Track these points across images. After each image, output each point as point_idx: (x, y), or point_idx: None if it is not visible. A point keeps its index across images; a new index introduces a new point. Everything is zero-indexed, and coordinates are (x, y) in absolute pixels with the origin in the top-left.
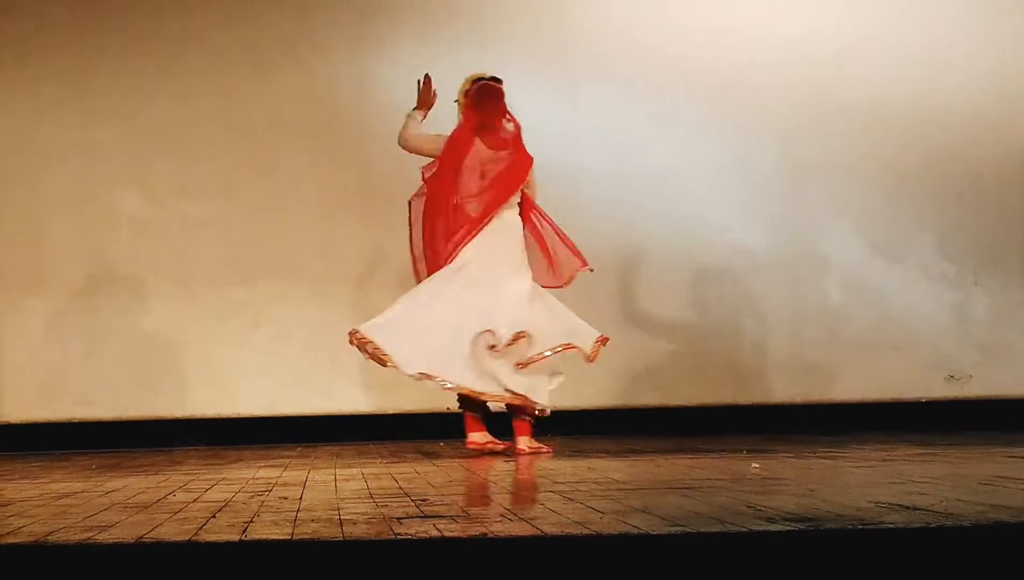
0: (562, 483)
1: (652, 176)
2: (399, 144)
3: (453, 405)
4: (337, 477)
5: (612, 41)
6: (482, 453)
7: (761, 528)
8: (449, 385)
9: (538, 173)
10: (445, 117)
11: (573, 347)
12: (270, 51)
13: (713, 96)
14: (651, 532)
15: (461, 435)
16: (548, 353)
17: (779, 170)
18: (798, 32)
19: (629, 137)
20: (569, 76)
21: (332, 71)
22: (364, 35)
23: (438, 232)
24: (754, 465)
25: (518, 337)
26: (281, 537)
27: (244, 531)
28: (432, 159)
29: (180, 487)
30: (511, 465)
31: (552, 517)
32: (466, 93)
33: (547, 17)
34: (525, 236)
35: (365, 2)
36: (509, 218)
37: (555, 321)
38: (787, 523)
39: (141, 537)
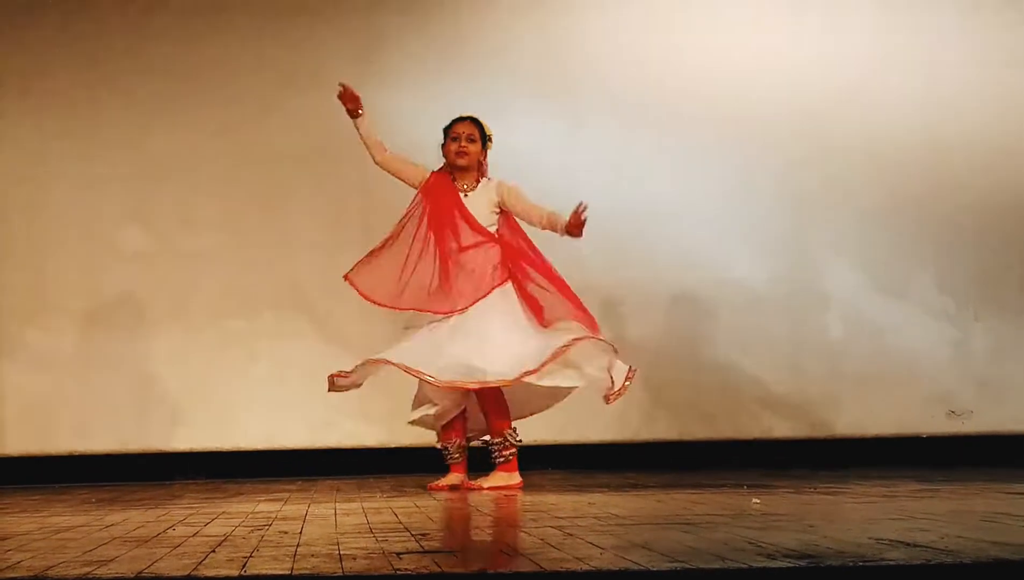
0: (562, 518)
1: (651, 209)
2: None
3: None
4: (337, 511)
5: (613, 73)
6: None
7: (761, 564)
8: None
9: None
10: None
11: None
12: (272, 84)
13: (713, 130)
14: (652, 568)
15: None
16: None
17: (779, 203)
18: (799, 65)
19: (628, 170)
20: (570, 108)
21: (334, 104)
22: (366, 68)
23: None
24: (754, 501)
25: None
26: (281, 572)
27: (244, 566)
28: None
29: (180, 521)
30: (511, 500)
31: (552, 552)
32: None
33: (549, 50)
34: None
35: (368, 35)
36: None
37: None
38: (787, 559)
39: (141, 572)
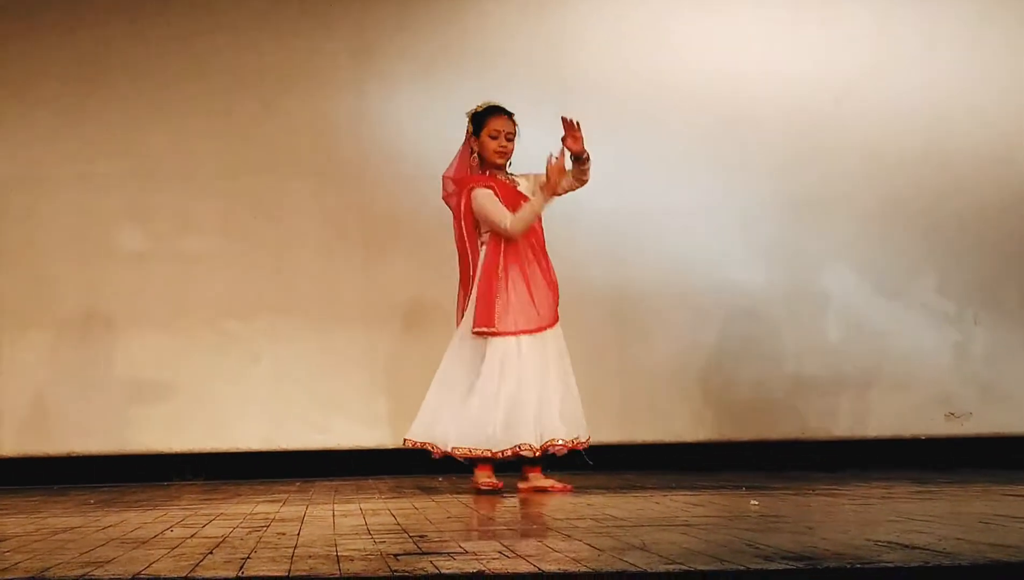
0: (560, 520)
1: (649, 213)
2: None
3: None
4: (335, 512)
5: (609, 78)
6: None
7: (759, 566)
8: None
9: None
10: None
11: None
12: (271, 86)
13: (712, 133)
14: (649, 570)
15: (460, 471)
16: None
17: (778, 206)
18: (797, 68)
19: (626, 174)
20: (566, 108)
21: (333, 107)
22: (365, 72)
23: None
24: (753, 502)
25: None
26: (278, 574)
27: (241, 568)
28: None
29: (177, 522)
30: (510, 502)
31: (550, 554)
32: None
33: (545, 55)
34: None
35: (366, 39)
36: None
37: None
38: (785, 561)
39: (138, 573)
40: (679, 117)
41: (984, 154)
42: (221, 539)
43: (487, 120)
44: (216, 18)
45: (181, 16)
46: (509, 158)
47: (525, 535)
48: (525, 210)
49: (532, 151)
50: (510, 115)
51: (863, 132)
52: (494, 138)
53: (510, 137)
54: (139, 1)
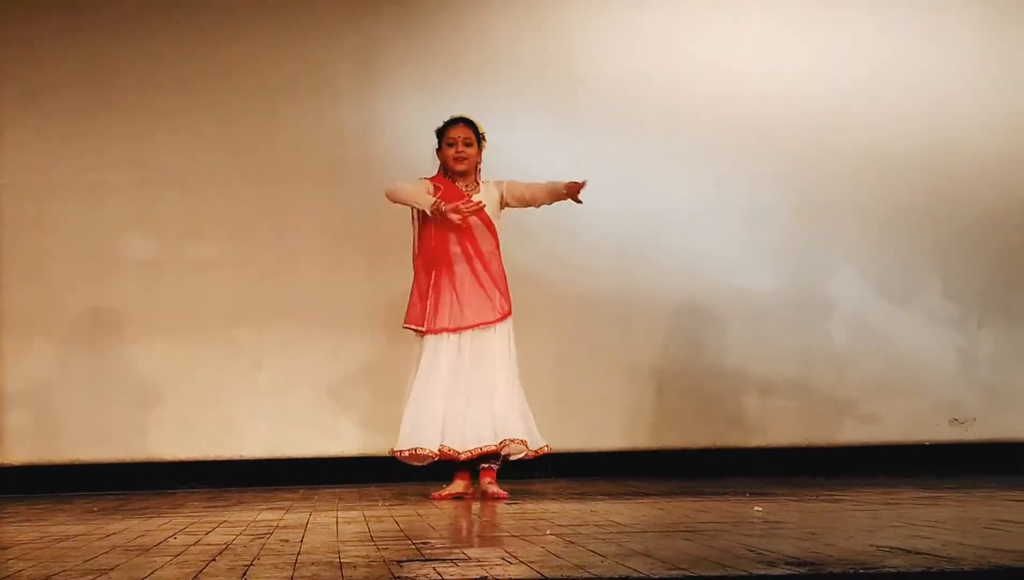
0: (564, 525)
1: (657, 218)
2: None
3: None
4: (339, 519)
5: (614, 85)
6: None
7: (762, 572)
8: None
9: (544, 217)
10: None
11: None
12: (276, 95)
13: (718, 138)
14: (652, 576)
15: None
16: None
17: (784, 211)
18: (804, 73)
19: (634, 179)
20: (574, 118)
21: (338, 116)
22: (370, 79)
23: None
24: (756, 508)
25: None
26: None
27: (244, 574)
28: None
29: (181, 530)
30: (514, 508)
31: (553, 560)
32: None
33: (552, 61)
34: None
35: (370, 47)
36: None
37: None
38: (788, 567)
39: None
40: (684, 121)
41: (989, 158)
42: (224, 546)
43: (444, 132)
44: (223, 29)
45: (188, 27)
46: (469, 165)
47: (529, 541)
48: (417, 195)
49: (533, 157)
50: (467, 122)
51: (869, 136)
52: (451, 146)
53: (468, 142)
54: (146, 12)
